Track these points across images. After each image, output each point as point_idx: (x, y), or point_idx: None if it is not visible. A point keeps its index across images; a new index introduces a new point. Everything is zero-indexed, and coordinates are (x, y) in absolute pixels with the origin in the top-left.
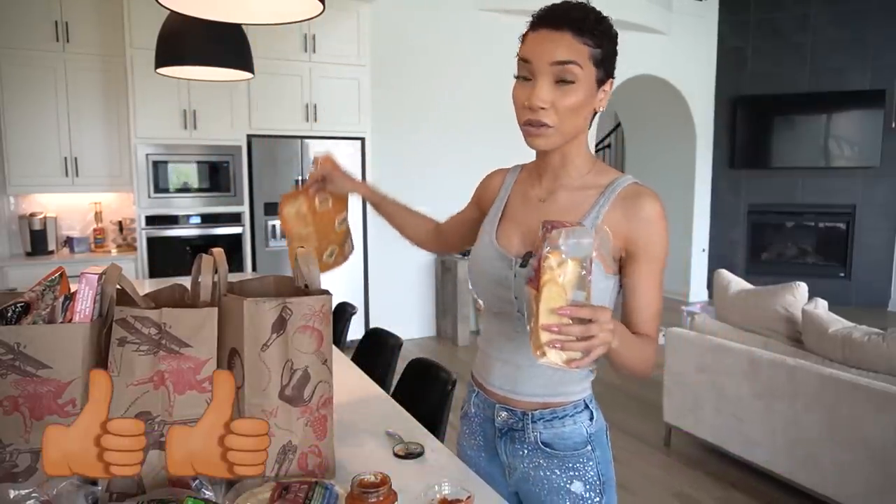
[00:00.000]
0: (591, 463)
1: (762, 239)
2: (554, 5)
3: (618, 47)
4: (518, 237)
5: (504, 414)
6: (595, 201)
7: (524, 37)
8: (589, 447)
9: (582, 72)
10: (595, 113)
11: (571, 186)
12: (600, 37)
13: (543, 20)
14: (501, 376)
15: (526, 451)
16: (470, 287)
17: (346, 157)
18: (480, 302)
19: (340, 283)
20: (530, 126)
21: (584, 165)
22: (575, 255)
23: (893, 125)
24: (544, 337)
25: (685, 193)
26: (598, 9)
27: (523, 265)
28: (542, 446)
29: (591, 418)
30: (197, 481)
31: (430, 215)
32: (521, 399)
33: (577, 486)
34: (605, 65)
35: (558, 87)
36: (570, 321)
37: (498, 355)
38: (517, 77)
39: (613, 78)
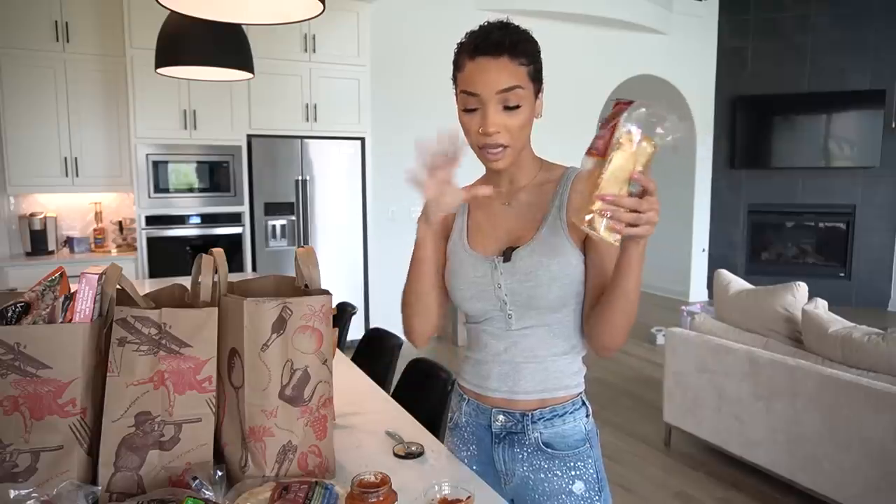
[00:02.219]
0: (590, 461)
1: (762, 239)
2: (485, 31)
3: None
4: (491, 241)
5: (502, 418)
6: (554, 192)
7: (460, 65)
8: (587, 445)
9: (524, 92)
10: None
11: (529, 186)
12: (531, 53)
13: (480, 49)
14: (499, 378)
15: (526, 454)
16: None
17: (347, 157)
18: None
19: (340, 283)
20: (487, 150)
21: (533, 165)
22: (651, 135)
23: (893, 125)
24: (597, 205)
25: (685, 193)
26: (520, 27)
27: (506, 260)
28: (543, 447)
29: (587, 415)
30: (197, 481)
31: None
32: (521, 399)
33: (578, 487)
34: (538, 76)
35: (506, 111)
36: (627, 194)
37: (494, 358)
38: (463, 110)
39: (542, 83)
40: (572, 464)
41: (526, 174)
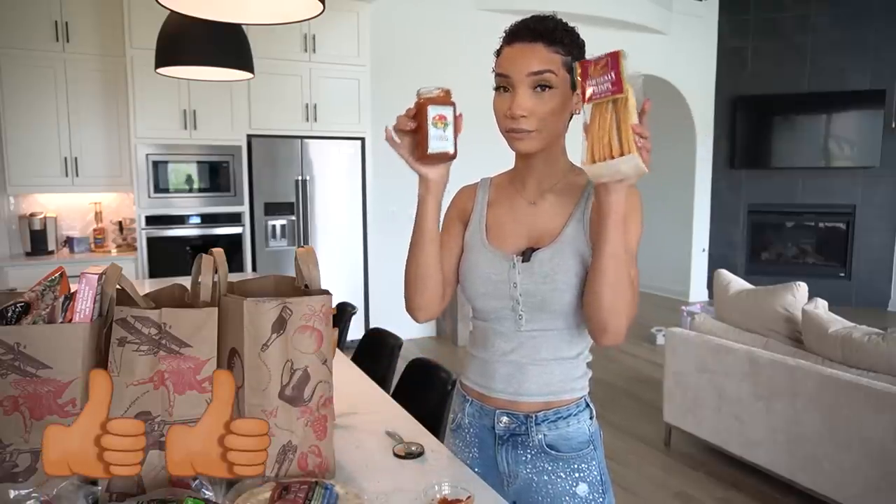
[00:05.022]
0: (593, 463)
1: (762, 239)
2: (525, 20)
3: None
4: (511, 239)
5: (505, 419)
6: (579, 200)
7: (499, 52)
8: (591, 447)
9: (557, 78)
10: (571, 116)
11: (556, 189)
12: (570, 45)
13: (517, 35)
14: (504, 379)
15: (529, 456)
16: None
17: (347, 157)
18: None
19: (340, 283)
20: (513, 132)
21: (564, 167)
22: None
23: (893, 125)
24: (633, 137)
25: (685, 193)
26: (564, 20)
27: (526, 260)
28: (547, 449)
29: (591, 417)
30: (197, 481)
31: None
32: (525, 401)
33: (582, 489)
34: None
35: (536, 95)
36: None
37: (500, 358)
38: (496, 89)
39: None
40: (576, 466)
41: (555, 174)
